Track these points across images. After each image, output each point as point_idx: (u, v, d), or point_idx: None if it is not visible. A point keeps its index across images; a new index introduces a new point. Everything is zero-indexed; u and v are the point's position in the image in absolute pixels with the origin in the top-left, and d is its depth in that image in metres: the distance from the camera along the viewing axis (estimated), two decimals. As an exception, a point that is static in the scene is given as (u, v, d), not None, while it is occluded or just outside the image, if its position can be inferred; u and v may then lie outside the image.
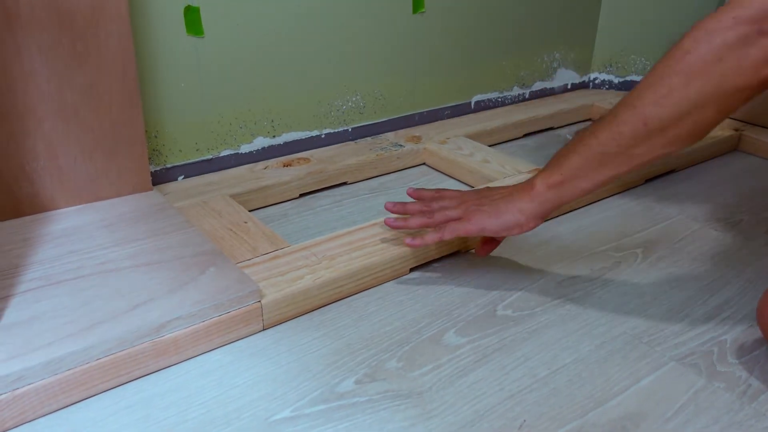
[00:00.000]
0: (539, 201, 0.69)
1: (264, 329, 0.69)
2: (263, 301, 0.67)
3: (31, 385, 0.55)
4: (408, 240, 0.75)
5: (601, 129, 0.64)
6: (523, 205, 0.70)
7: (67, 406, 0.58)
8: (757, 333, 0.69)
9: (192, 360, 0.64)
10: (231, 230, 0.81)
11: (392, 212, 0.79)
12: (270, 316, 0.68)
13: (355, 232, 0.81)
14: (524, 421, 0.58)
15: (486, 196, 0.74)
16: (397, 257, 0.77)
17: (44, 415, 0.57)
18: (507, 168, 1.01)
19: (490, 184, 0.95)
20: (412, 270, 0.80)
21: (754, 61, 0.54)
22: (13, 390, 0.55)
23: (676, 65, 0.57)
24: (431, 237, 0.74)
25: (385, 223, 0.78)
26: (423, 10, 1.13)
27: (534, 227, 0.71)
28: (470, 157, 1.06)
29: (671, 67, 0.58)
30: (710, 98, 0.57)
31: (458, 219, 0.73)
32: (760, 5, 0.53)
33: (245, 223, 0.83)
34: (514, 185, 0.74)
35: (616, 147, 0.62)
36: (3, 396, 0.54)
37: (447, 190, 0.79)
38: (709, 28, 0.56)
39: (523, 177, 0.98)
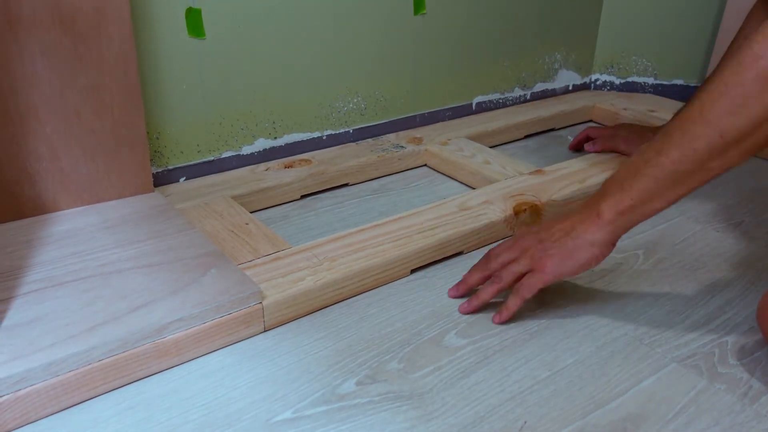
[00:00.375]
0: (610, 229, 0.66)
1: (265, 330, 0.69)
2: (264, 303, 0.67)
3: (33, 387, 0.56)
4: (496, 317, 0.70)
5: (671, 147, 0.60)
6: (592, 237, 0.66)
7: (68, 408, 0.58)
8: (759, 334, 0.69)
9: (193, 361, 0.64)
10: (232, 232, 0.81)
11: (458, 296, 0.75)
12: (271, 317, 0.68)
13: (356, 233, 0.81)
14: (525, 422, 0.58)
15: (546, 238, 0.69)
16: (398, 258, 0.77)
17: (46, 417, 0.57)
18: (508, 169, 1.01)
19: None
20: (413, 271, 0.80)
21: None
22: (15, 391, 0.55)
23: (748, 72, 0.55)
24: (513, 303, 0.69)
25: (461, 311, 0.72)
26: (424, 11, 1.13)
27: (608, 254, 0.68)
28: (471, 159, 1.06)
29: (742, 75, 0.55)
30: None
31: (529, 271, 0.69)
32: None
33: (246, 224, 0.83)
34: (572, 216, 0.69)
35: (691, 164, 0.60)
36: (5, 397, 0.54)
37: (497, 245, 0.74)
38: None
39: (524, 178, 0.98)
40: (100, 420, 0.57)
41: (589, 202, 0.68)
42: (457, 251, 0.83)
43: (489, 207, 0.88)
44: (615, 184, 0.66)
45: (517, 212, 0.88)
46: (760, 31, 0.55)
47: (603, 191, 0.67)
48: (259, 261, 0.75)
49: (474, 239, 0.84)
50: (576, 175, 0.99)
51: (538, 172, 1.00)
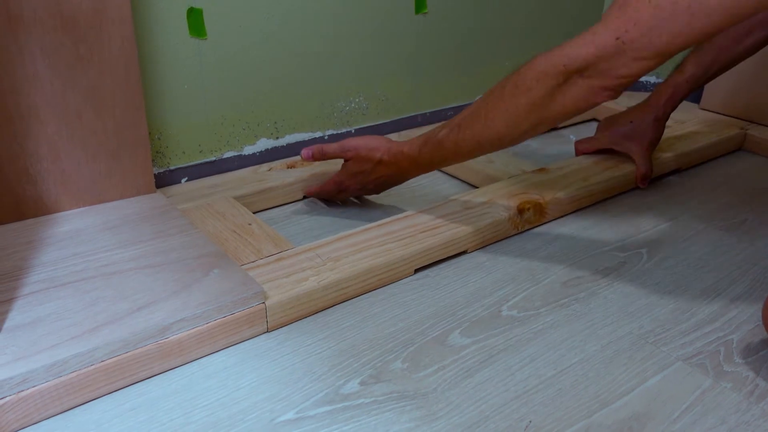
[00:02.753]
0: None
1: (268, 331, 0.68)
2: (268, 303, 0.67)
3: (36, 388, 0.55)
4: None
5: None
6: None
7: (71, 409, 0.58)
8: (764, 332, 0.69)
9: (196, 362, 0.64)
10: (235, 232, 0.81)
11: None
12: (274, 318, 0.68)
13: (360, 233, 0.81)
14: (530, 422, 0.57)
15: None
16: (402, 258, 0.77)
17: (48, 418, 0.57)
18: (511, 168, 1.01)
19: (493, 185, 0.95)
20: (416, 271, 0.79)
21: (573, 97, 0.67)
22: (18, 392, 0.55)
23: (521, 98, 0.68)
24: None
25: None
26: (425, 11, 1.13)
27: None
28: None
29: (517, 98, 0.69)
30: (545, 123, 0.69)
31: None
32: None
33: (249, 225, 0.83)
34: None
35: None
36: (7, 398, 0.54)
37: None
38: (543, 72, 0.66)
39: (527, 177, 0.97)
40: (103, 421, 0.57)
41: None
42: (462, 250, 0.83)
43: (493, 206, 0.88)
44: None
45: (521, 210, 0.87)
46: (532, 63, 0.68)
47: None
48: (262, 261, 0.74)
49: (478, 238, 0.84)
50: (580, 173, 0.99)
51: (541, 170, 1.00)
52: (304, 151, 0.88)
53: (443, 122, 0.78)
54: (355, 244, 0.78)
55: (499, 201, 0.89)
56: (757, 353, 0.66)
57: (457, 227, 0.82)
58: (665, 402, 0.60)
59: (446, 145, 0.75)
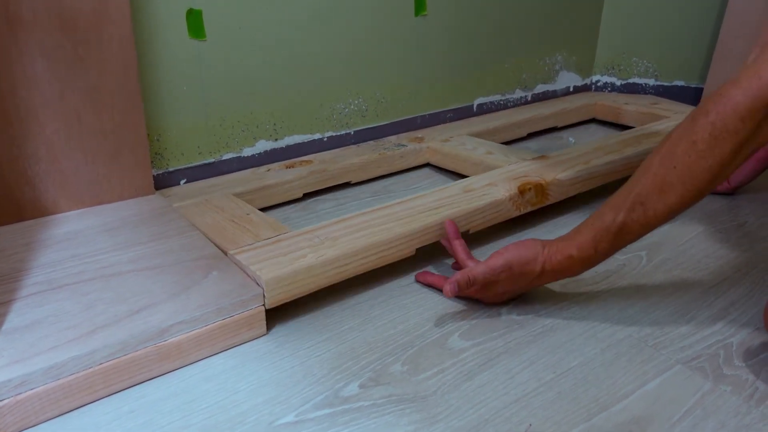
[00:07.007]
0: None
1: (266, 310, 0.68)
2: (265, 278, 0.66)
3: (33, 390, 0.55)
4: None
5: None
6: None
7: (69, 411, 0.58)
8: (764, 336, 0.69)
9: (195, 364, 0.64)
10: (233, 221, 0.80)
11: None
12: (272, 294, 0.67)
13: (358, 216, 0.80)
14: (530, 425, 0.57)
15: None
16: (402, 235, 0.76)
17: (46, 421, 0.57)
18: (511, 158, 1.00)
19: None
20: (418, 250, 0.79)
21: None
22: (15, 395, 0.54)
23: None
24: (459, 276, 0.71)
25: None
26: (425, 12, 1.13)
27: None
28: (474, 151, 1.05)
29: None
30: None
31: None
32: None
33: (248, 215, 0.82)
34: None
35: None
36: (5, 401, 0.54)
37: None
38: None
39: (527, 163, 0.97)
40: (101, 424, 0.57)
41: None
42: (463, 231, 0.82)
43: (493, 188, 0.88)
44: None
45: (522, 191, 0.87)
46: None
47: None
48: (260, 244, 0.74)
49: (479, 218, 0.83)
50: (580, 159, 0.98)
51: (541, 157, 1.00)
52: (448, 290, 0.70)
53: (604, 209, 0.67)
54: (354, 225, 0.78)
55: (499, 184, 0.89)
56: (756, 356, 0.66)
57: (458, 207, 0.82)
58: (665, 405, 0.60)
59: (632, 229, 0.67)
